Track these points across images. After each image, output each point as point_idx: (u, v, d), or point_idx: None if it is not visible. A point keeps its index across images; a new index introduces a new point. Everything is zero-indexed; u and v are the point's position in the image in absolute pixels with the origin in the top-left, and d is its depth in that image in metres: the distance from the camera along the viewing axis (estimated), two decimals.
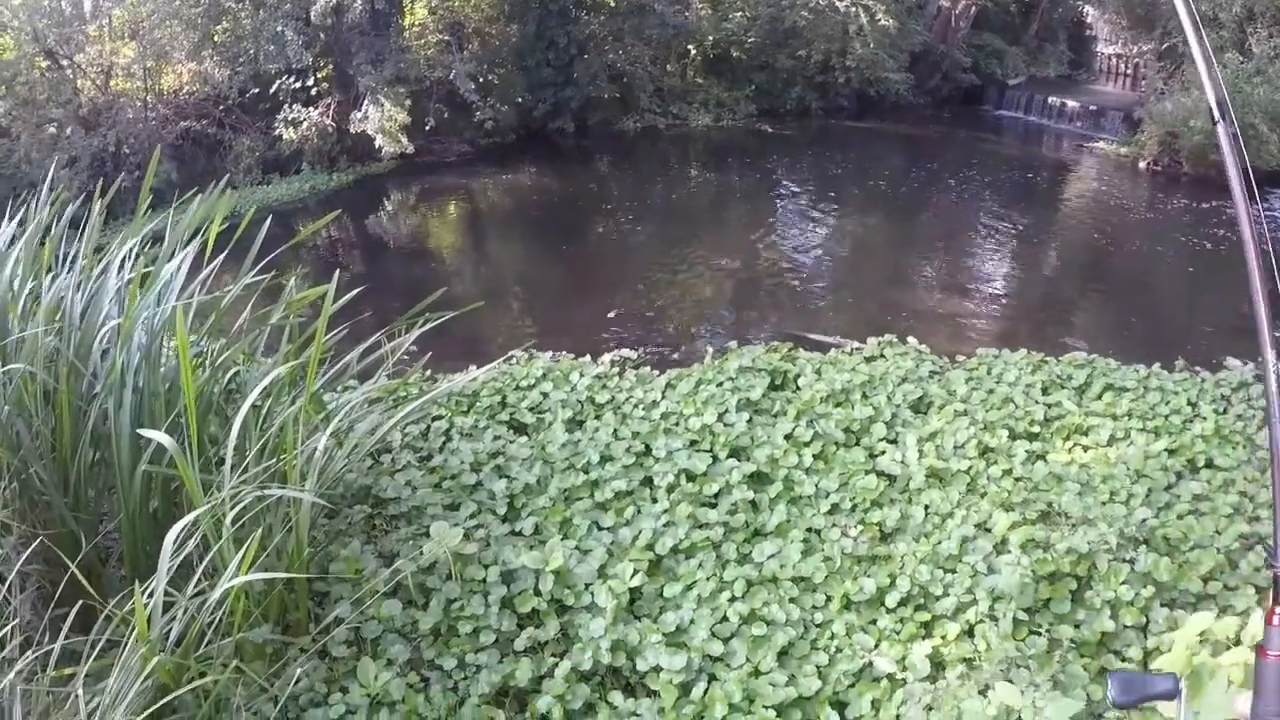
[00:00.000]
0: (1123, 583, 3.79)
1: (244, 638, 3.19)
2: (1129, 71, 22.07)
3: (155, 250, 4.12)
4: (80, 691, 2.62)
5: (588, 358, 6.23)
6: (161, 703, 2.75)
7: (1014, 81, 23.39)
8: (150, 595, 2.80)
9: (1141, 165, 16.86)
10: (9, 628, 2.78)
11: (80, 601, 3.02)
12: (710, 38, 21.53)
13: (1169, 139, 16.13)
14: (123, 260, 4.10)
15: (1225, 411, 5.51)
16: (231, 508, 3.06)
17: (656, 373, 5.90)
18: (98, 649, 2.83)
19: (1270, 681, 1.24)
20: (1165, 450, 4.90)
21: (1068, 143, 19.76)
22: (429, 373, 5.57)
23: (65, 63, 15.10)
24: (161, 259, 4.01)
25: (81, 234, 4.26)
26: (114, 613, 2.91)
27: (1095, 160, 18.14)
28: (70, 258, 4.16)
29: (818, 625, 3.77)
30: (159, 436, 2.99)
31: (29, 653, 2.74)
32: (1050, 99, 21.40)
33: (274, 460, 3.51)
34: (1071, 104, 20.82)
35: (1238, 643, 2.90)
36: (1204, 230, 13.56)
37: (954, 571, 3.94)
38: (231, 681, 3.04)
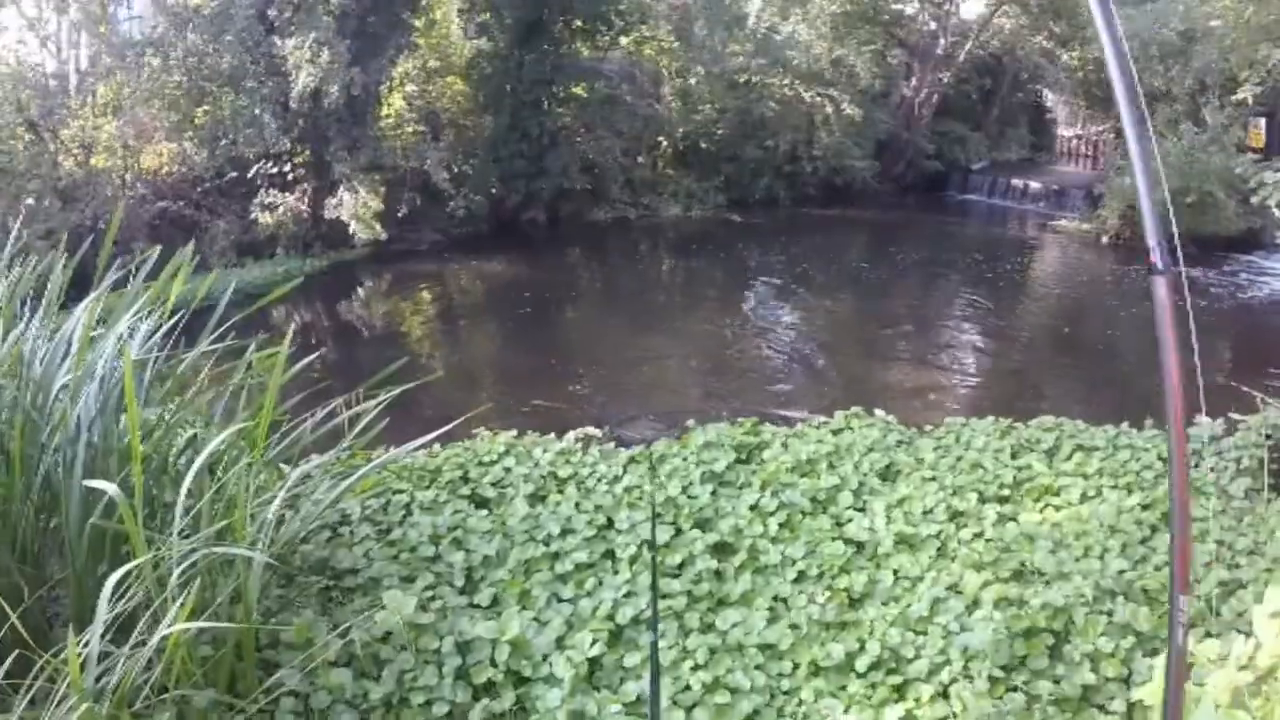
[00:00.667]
0: (1101, 634, 3.75)
1: (186, 700, 3.08)
2: (1088, 152, 22.65)
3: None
4: None
5: (552, 435, 6.16)
6: None
7: (977, 166, 23.90)
8: (86, 644, 2.70)
9: (1103, 240, 17.22)
10: None
11: (16, 651, 2.92)
12: (680, 130, 21.91)
13: (1129, 213, 16.52)
14: (88, 321, 4.06)
15: (1197, 465, 5.53)
16: (178, 564, 2.97)
17: (621, 449, 5.84)
18: (31, 694, 2.74)
19: None
20: (1138, 505, 4.91)
21: (1031, 222, 20.13)
22: (388, 448, 5.50)
23: (47, 135, 15.15)
24: (118, 315, 3.98)
25: (46, 295, 4.23)
26: (50, 661, 2.80)
27: (1058, 238, 18.48)
28: (35, 313, 4.12)
29: (785, 692, 3.67)
30: (104, 485, 2.91)
31: None
32: (1013, 181, 21.89)
33: (225, 522, 3.43)
34: (1034, 185, 21.29)
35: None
36: None
37: (925, 633, 3.87)
38: None
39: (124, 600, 2.92)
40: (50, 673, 2.82)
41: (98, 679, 2.78)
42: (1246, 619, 3.93)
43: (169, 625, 2.82)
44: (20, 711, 2.65)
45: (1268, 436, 5.65)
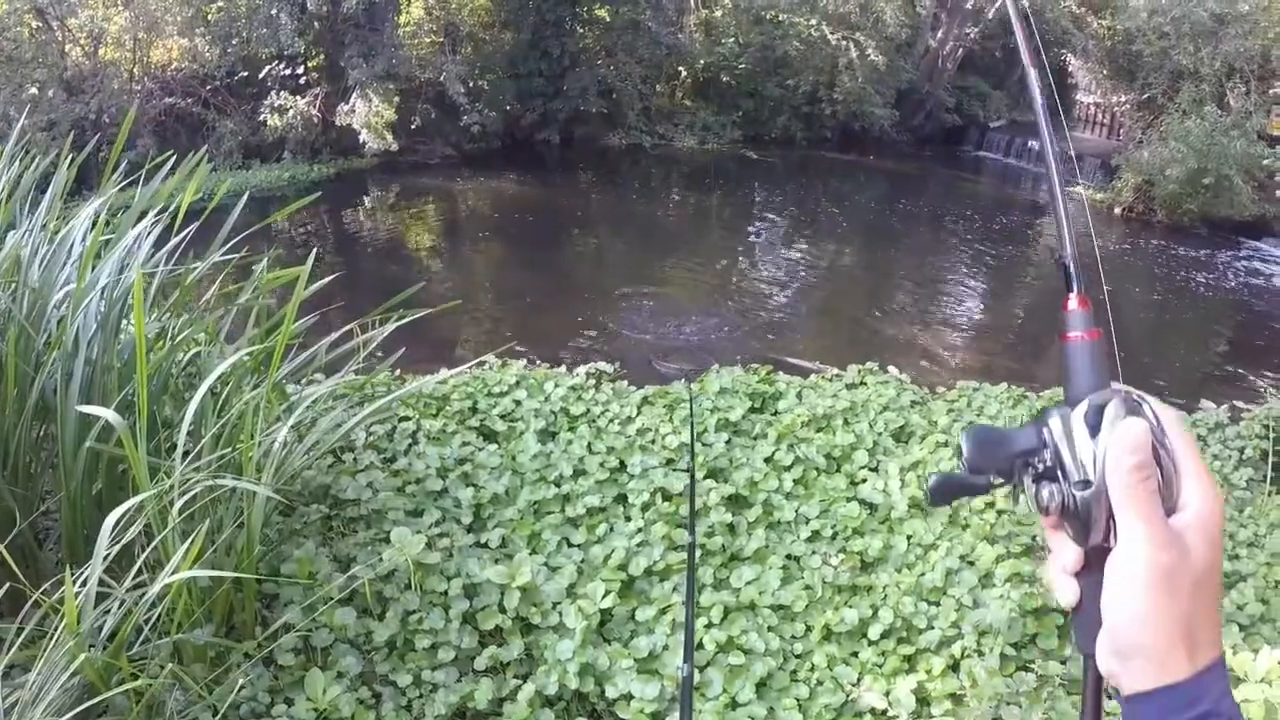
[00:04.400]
0: None
1: (183, 638, 2.95)
2: (1106, 120, 22.23)
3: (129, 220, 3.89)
4: None
5: (562, 368, 6.02)
6: (87, 704, 2.51)
7: (995, 124, 23.59)
8: (84, 584, 2.55)
9: (1116, 211, 17.03)
10: None
11: (7, 584, 2.77)
12: (701, 61, 21.51)
13: (1144, 186, 16.39)
14: (92, 225, 3.87)
15: (1202, 451, 5.46)
16: (180, 496, 2.82)
17: (633, 387, 5.71)
18: (23, 637, 2.59)
19: (1077, 362, 0.98)
20: None
21: (1045, 186, 19.84)
22: (398, 372, 5.36)
23: (55, 24, 14.75)
24: (125, 224, 3.78)
25: (48, 196, 4.03)
26: (43, 600, 2.65)
27: (1072, 205, 17.99)
28: (34, 218, 3.92)
29: (797, 656, 3.59)
30: (105, 413, 2.75)
31: None
32: (1030, 143, 21.50)
33: (230, 449, 3.27)
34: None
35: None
36: (1176, 275, 13.67)
37: (938, 604, 3.80)
38: (167, 685, 2.81)
39: (123, 534, 2.75)
40: (46, 609, 2.67)
41: (96, 620, 2.64)
42: (1246, 613, 3.90)
43: (174, 570, 2.66)
44: (10, 655, 2.51)
45: (1268, 429, 5.60)
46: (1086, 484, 0.76)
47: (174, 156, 4.30)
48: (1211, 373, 9.97)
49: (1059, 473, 0.78)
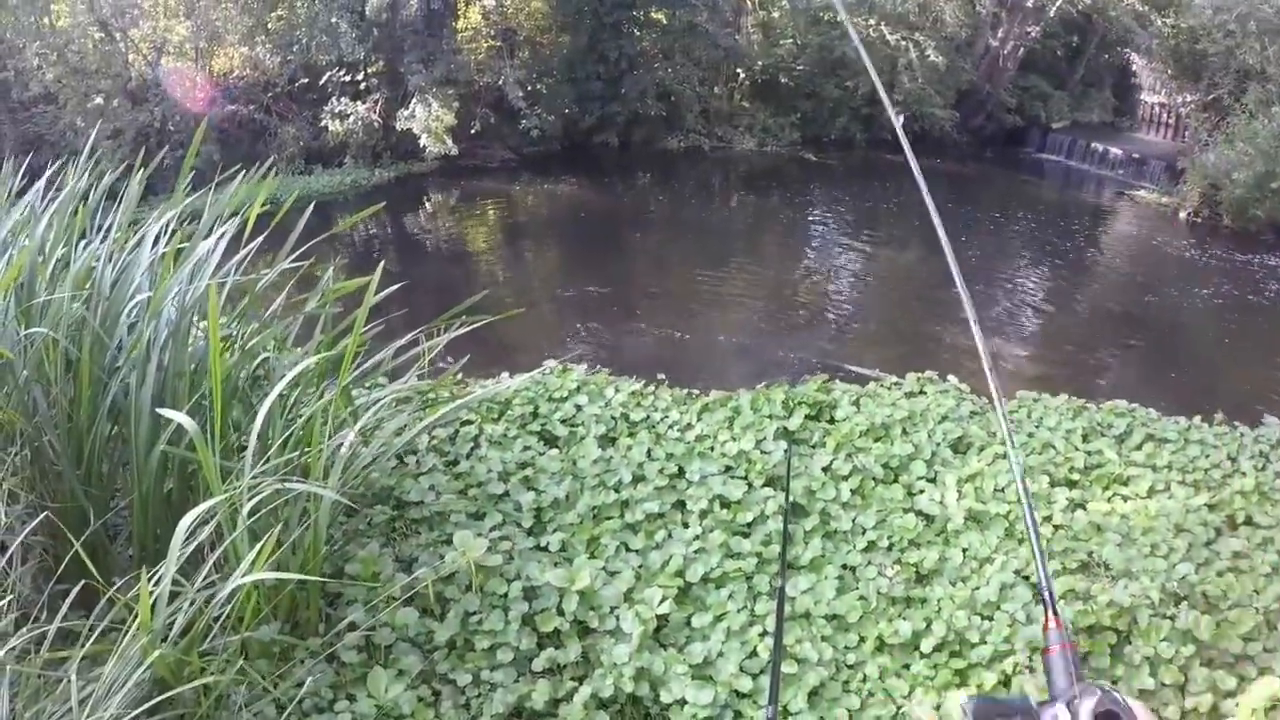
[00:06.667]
0: (1163, 639, 3.64)
1: (250, 635, 3.05)
2: (1171, 121, 21.69)
3: (192, 228, 4.02)
4: (74, 676, 2.47)
5: (627, 378, 6.05)
6: (159, 699, 2.61)
7: (1057, 125, 23.14)
8: (157, 583, 2.65)
9: (1181, 215, 16.62)
10: (6, 601, 2.66)
11: (83, 581, 2.89)
12: (759, 63, 21.44)
13: (1210, 191, 15.93)
14: (158, 234, 4.00)
15: (1264, 468, 5.35)
16: (250, 498, 2.91)
17: (694, 393, 5.74)
18: (96, 633, 2.70)
19: (1055, 669, 1.57)
20: (1205, 505, 4.70)
21: (1108, 189, 19.47)
22: (459, 376, 5.45)
23: (118, 35, 15.17)
24: (198, 235, 3.90)
25: (118, 205, 4.16)
26: (117, 597, 2.76)
27: (1135, 208, 17.88)
28: (105, 227, 4.05)
29: (850, 666, 3.59)
30: (180, 418, 2.84)
31: (24, 629, 2.62)
32: (1093, 144, 21.13)
33: (296, 453, 3.37)
34: (1114, 151, 20.54)
35: None
36: (1242, 284, 13.32)
37: (991, 619, 3.77)
38: (234, 680, 2.90)
39: (196, 535, 2.86)
40: (119, 606, 2.77)
41: (167, 618, 2.74)
42: None
43: (246, 572, 2.76)
44: (85, 649, 2.61)
45: None
46: None
47: (241, 168, 4.42)
48: (1275, 386, 9.73)
49: None
